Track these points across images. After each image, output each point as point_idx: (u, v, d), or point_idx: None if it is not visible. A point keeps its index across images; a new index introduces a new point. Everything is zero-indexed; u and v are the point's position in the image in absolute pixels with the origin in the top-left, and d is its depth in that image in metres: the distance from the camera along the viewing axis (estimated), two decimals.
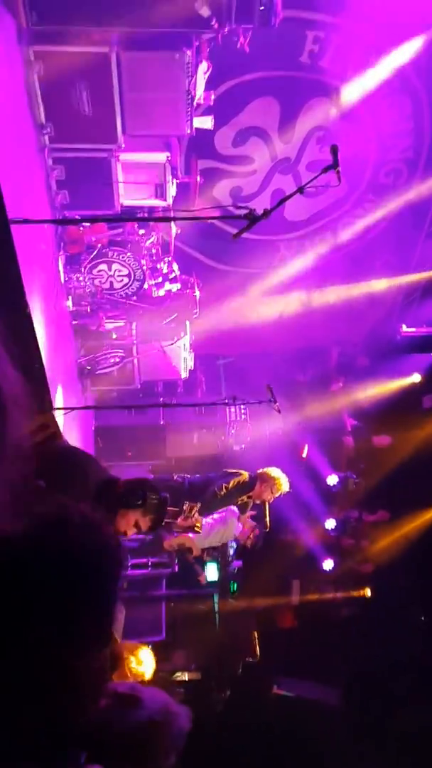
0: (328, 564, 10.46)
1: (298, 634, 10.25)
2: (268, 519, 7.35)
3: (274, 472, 6.41)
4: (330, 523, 10.62)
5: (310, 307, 9.64)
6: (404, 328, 9.91)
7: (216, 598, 8.95)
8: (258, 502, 6.64)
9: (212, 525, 6.84)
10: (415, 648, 10.23)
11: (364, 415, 10.87)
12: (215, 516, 6.98)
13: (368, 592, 10.81)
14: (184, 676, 8.96)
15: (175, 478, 6.28)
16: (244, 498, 6.68)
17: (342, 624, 10.64)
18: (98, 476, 3.71)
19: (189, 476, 6.48)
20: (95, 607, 1.45)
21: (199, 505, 6.16)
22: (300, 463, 10.41)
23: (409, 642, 10.28)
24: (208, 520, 6.98)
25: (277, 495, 6.53)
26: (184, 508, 6.38)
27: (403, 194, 9.07)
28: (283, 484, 6.42)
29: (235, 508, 6.98)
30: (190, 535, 6.78)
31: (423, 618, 10.82)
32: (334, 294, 9.66)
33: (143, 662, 4.64)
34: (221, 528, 6.93)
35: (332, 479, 10.73)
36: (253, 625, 9.60)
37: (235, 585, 9.14)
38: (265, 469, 6.49)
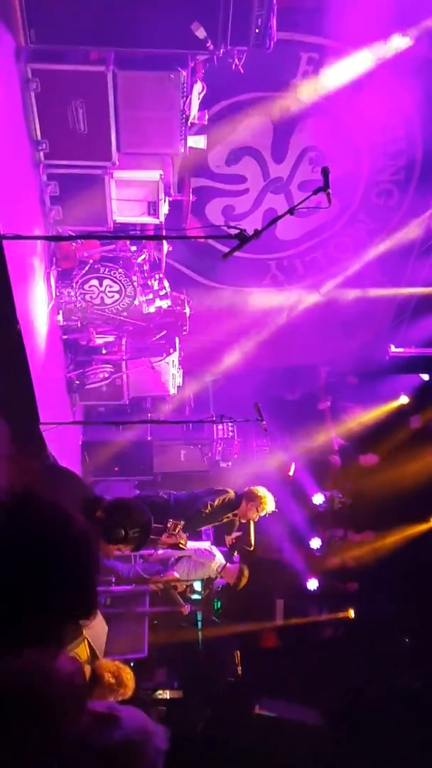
0: (312, 584, 10.43)
1: (281, 654, 10.21)
2: (252, 538, 7.35)
3: (261, 491, 6.41)
4: (315, 543, 10.61)
5: (299, 326, 9.67)
6: (392, 348, 9.96)
7: (199, 617, 8.90)
8: (243, 521, 6.63)
9: (194, 564, 6.87)
10: (399, 670, 10.22)
11: (352, 435, 10.90)
12: (199, 547, 7.00)
13: (351, 613, 10.79)
14: (166, 694, 8.89)
15: (160, 494, 6.26)
16: (230, 516, 6.67)
17: (325, 645, 10.60)
18: (80, 495, 3.69)
19: (175, 492, 6.47)
20: (68, 574, 1.54)
21: (182, 522, 6.16)
22: (286, 481, 10.41)
23: (393, 663, 10.27)
24: (191, 545, 7.00)
25: (262, 514, 6.52)
26: (168, 525, 6.38)
27: (394, 215, 9.16)
28: (269, 503, 6.42)
29: (215, 551, 6.99)
30: (175, 574, 6.80)
31: (407, 640, 10.80)
32: (323, 313, 9.70)
33: (123, 681, 4.61)
34: (201, 568, 6.96)
35: (318, 498, 10.73)
36: (235, 645, 9.55)
37: (219, 603, 9.09)
38: (252, 488, 6.48)
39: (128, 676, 4.62)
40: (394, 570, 10.34)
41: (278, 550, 10.73)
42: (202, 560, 6.98)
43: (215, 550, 7.23)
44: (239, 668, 9.34)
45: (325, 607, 10.69)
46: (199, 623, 8.94)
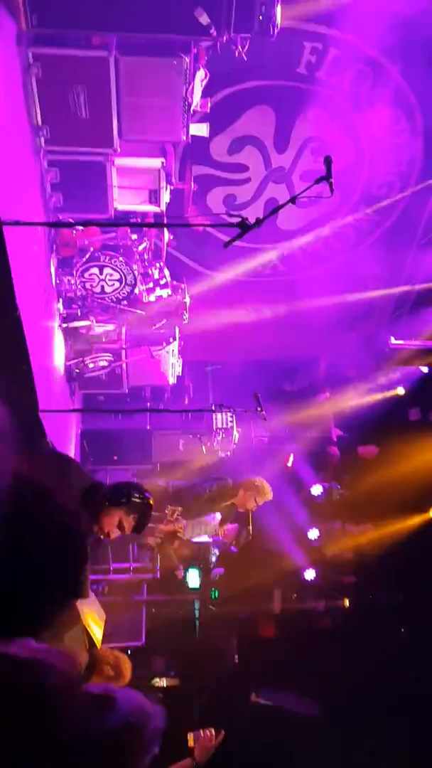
0: (309, 574, 10.45)
1: (278, 643, 10.24)
2: (251, 527, 7.36)
3: (258, 481, 6.41)
4: (313, 533, 10.62)
5: (299, 317, 9.65)
6: (393, 340, 9.95)
7: (197, 605, 8.94)
8: (241, 510, 6.64)
9: (197, 522, 6.86)
10: (396, 661, 10.25)
11: (351, 426, 10.90)
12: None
13: (347, 602, 10.83)
14: (163, 683, 8.93)
15: (158, 482, 6.27)
16: (228, 503, 6.68)
17: (323, 634, 10.64)
18: (82, 482, 3.70)
19: (173, 481, 6.47)
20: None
21: (180, 509, 6.16)
22: (285, 472, 10.42)
23: (389, 655, 10.30)
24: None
25: (260, 503, 6.53)
26: (166, 512, 6.40)
27: (395, 207, 9.13)
28: (267, 492, 6.42)
29: (216, 514, 7.02)
30: (182, 522, 6.80)
31: (403, 630, 10.84)
32: (324, 305, 9.68)
33: (121, 672, 4.64)
34: (203, 525, 6.96)
35: (316, 489, 10.74)
36: (233, 634, 9.60)
37: (216, 593, 9.13)
38: (250, 478, 6.49)
39: (126, 666, 4.64)
40: (393, 562, 10.37)
41: (276, 540, 10.76)
42: (204, 520, 6.98)
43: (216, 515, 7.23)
44: (236, 657, 9.40)
45: (323, 597, 10.73)
46: (197, 612, 8.98)
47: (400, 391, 10.78)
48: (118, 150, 6.38)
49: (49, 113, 5.90)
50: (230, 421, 8.93)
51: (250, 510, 6.68)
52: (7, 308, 4.55)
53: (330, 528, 11.13)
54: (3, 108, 5.13)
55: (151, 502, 3.89)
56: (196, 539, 7.12)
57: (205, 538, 7.23)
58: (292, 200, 3.89)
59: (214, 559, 7.87)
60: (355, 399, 10.62)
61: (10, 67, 5.27)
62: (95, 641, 5.80)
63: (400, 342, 10.04)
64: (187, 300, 7.70)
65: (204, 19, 5.66)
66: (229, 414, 8.89)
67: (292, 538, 10.74)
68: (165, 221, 7.07)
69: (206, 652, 9.30)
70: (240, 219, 3.77)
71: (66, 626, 5.39)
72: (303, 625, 10.53)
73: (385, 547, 10.36)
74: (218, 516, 6.99)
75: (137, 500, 3.78)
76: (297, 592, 10.68)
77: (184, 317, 7.76)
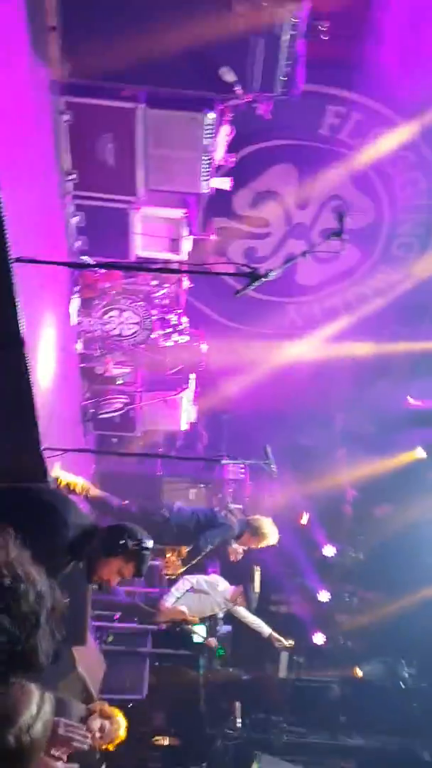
0: (318, 638, 10.14)
1: (283, 708, 9.88)
2: (257, 584, 7.23)
3: (266, 526, 6.33)
4: (324, 596, 10.35)
5: (316, 371, 9.69)
6: (410, 400, 9.91)
7: (202, 662, 8.68)
8: (243, 548, 6.57)
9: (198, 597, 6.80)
10: (406, 737, 9.79)
11: (366, 486, 10.74)
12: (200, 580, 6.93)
13: (359, 671, 10.43)
14: (165, 741, 8.59)
15: (162, 511, 6.16)
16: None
17: (330, 702, 10.24)
18: (78, 521, 3.67)
19: (176, 508, 6.31)
20: None
21: (177, 553, 6.09)
22: (298, 529, 10.26)
23: (398, 730, 9.86)
24: (192, 580, 6.91)
25: (262, 546, 6.46)
26: (167, 558, 6.33)
27: (414, 267, 9.26)
28: (271, 538, 6.35)
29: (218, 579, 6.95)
30: (183, 607, 6.72)
31: (415, 705, 10.38)
32: (341, 360, 9.72)
33: (112, 728, 4.52)
34: (205, 600, 6.90)
35: (329, 550, 10.52)
36: (237, 694, 9.27)
37: (222, 651, 8.87)
38: (257, 520, 6.41)
39: (117, 727, 4.56)
40: (407, 633, 10.04)
41: (285, 600, 10.51)
42: (204, 590, 6.90)
43: (219, 579, 7.13)
44: (238, 720, 9.04)
45: (331, 664, 10.37)
46: (201, 668, 8.71)
47: (421, 453, 10.60)
48: (142, 199, 6.61)
49: (78, 160, 6.16)
50: (242, 473, 8.88)
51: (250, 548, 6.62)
52: (13, 342, 4.59)
53: (342, 592, 10.87)
54: (34, 152, 5.39)
55: (149, 546, 3.83)
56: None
57: (216, 610, 7.13)
58: (305, 254, 4.05)
59: (221, 615, 7.72)
60: (372, 457, 10.50)
61: (42, 113, 5.55)
62: (91, 692, 5.65)
63: (418, 402, 10.00)
64: (204, 347, 7.80)
65: (229, 77, 5.93)
66: (241, 465, 8.84)
67: (302, 599, 10.49)
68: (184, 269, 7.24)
69: (209, 711, 8.97)
70: (251, 270, 3.90)
71: (61, 674, 5.27)
72: (311, 694, 10.16)
73: (398, 615, 10.06)
74: (224, 586, 6.92)
75: (134, 548, 3.73)
76: (305, 656, 10.33)
77: (201, 365, 7.84)
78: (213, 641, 7.86)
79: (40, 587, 1.37)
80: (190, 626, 7.45)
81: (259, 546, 6.37)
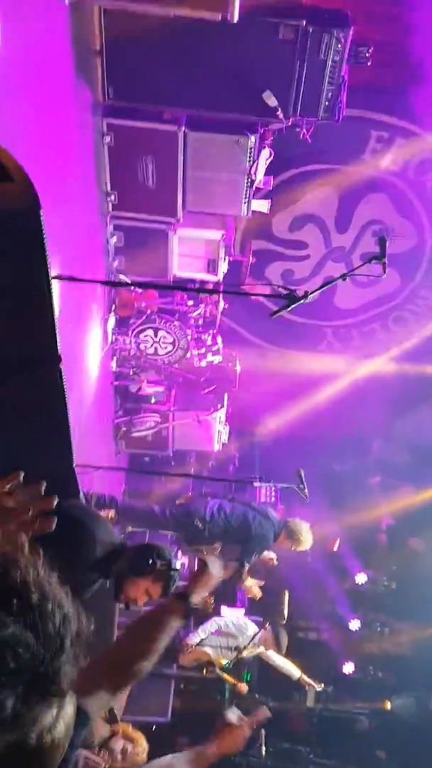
0: (348, 667, 9.91)
1: (308, 739, 9.65)
2: (286, 609, 7.12)
3: (304, 531, 6.26)
4: (354, 624, 10.14)
5: (352, 395, 9.58)
6: None
7: (227, 687, 8.56)
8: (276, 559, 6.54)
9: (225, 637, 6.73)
10: None
11: (401, 515, 10.54)
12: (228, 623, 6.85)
13: (388, 704, 10.16)
14: None
15: (195, 522, 6.13)
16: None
17: (358, 736, 9.98)
18: (107, 539, 3.66)
19: (209, 517, 6.22)
20: None
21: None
22: (330, 555, 10.09)
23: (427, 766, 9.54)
24: (220, 622, 6.83)
25: (296, 550, 6.40)
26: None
27: None
28: (306, 544, 6.30)
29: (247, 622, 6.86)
30: (207, 649, 6.64)
31: None
32: (379, 385, 9.60)
33: (135, 751, 4.46)
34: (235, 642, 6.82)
35: (361, 578, 10.32)
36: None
37: (249, 675, 8.73)
38: (295, 522, 6.34)
39: (140, 750, 4.48)
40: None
41: (314, 627, 10.31)
42: (232, 633, 6.82)
43: (249, 623, 7.00)
44: (263, 748, 8.87)
45: (361, 695, 10.12)
46: (227, 693, 8.59)
47: None
48: (181, 220, 6.66)
49: (118, 180, 6.27)
50: (273, 496, 8.79)
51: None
52: (50, 359, 4.64)
53: (373, 621, 10.63)
54: (76, 172, 5.48)
55: (178, 567, 3.80)
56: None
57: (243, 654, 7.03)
58: (343, 277, 4.00)
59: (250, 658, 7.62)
60: (406, 487, 10.30)
61: (84, 134, 5.65)
62: (114, 713, 5.60)
63: None
64: (238, 368, 7.79)
65: (271, 102, 5.95)
66: (273, 489, 8.76)
67: (332, 627, 10.28)
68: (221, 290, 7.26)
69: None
70: (288, 291, 3.87)
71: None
72: (338, 724, 9.91)
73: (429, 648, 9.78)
74: (252, 630, 6.82)
75: (162, 568, 3.70)
76: (334, 686, 10.10)
77: (234, 385, 7.83)
78: (244, 686, 7.68)
79: (66, 610, 1.34)
80: (216, 670, 7.33)
81: (293, 549, 6.31)
